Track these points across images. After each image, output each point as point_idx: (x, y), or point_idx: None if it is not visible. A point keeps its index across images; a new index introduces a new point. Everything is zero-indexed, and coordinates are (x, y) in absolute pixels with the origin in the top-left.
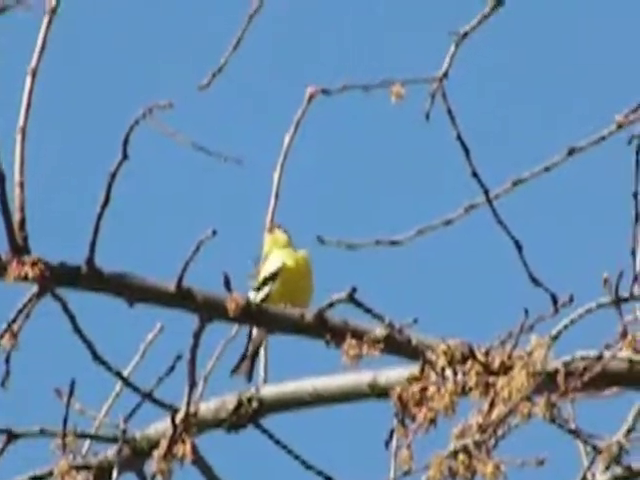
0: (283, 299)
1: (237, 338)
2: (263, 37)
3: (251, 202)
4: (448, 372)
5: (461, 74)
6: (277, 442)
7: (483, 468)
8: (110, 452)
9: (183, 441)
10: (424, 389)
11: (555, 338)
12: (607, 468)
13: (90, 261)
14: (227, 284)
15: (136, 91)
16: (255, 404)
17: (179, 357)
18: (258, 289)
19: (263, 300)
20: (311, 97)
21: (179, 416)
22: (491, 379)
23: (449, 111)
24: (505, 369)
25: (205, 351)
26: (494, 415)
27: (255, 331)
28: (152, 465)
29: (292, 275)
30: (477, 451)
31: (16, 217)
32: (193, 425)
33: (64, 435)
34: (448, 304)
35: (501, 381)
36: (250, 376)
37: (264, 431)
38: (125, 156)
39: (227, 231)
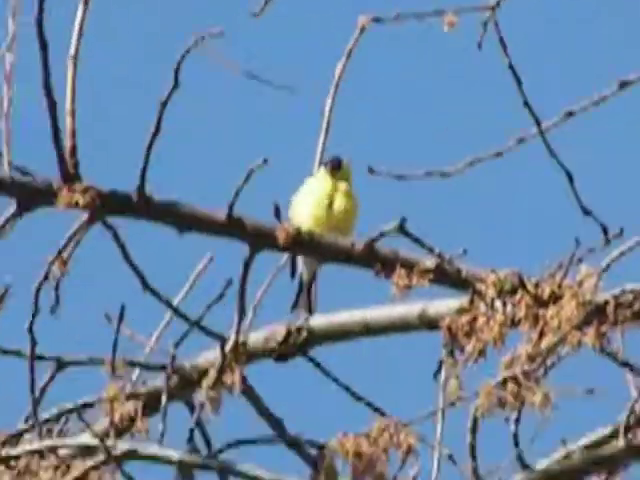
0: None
1: (287, 268)
2: None
3: (303, 131)
4: (498, 303)
5: (513, 3)
6: (326, 373)
7: (532, 397)
8: (159, 381)
9: (232, 370)
10: (473, 320)
11: (605, 270)
12: None
13: (141, 189)
14: (277, 213)
15: (188, 19)
16: (304, 334)
17: (229, 284)
18: None
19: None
20: (363, 26)
21: (228, 345)
22: (541, 311)
23: (501, 40)
24: (555, 299)
25: (255, 281)
26: (543, 344)
27: (305, 262)
28: (201, 394)
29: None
30: (526, 380)
31: (67, 144)
32: (242, 354)
33: (113, 362)
34: (498, 235)
35: (551, 311)
36: (310, 308)
37: (313, 361)
38: (176, 84)
39: (278, 160)
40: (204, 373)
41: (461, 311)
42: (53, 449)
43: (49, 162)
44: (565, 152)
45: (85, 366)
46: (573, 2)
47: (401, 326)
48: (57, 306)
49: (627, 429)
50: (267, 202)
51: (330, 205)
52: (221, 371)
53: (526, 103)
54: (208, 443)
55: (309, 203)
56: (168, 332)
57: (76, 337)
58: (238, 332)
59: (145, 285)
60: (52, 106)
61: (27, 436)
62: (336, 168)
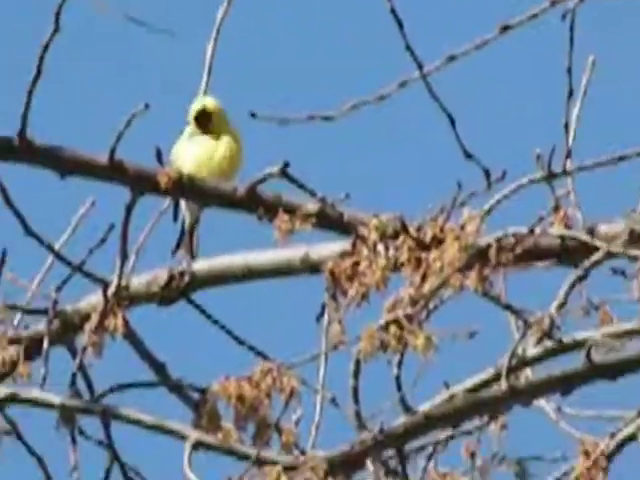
0: None
1: (169, 212)
2: None
3: (184, 75)
4: (380, 247)
5: None
6: (209, 317)
7: (414, 340)
8: (41, 325)
9: (114, 314)
10: (356, 264)
11: (487, 213)
12: (538, 342)
13: (22, 133)
14: (159, 157)
15: None
16: (187, 278)
17: (111, 228)
18: None
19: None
20: None
21: (110, 289)
22: (423, 254)
23: None
24: (437, 243)
25: (137, 225)
26: (426, 288)
27: (187, 206)
28: (83, 338)
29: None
30: (409, 323)
31: None
32: (124, 298)
33: None
34: (381, 179)
35: (433, 254)
36: (192, 252)
37: (195, 305)
38: (57, 28)
39: (160, 105)
40: (86, 317)
41: (344, 255)
42: None
43: None
44: (447, 96)
45: None
46: None
47: (284, 270)
48: None
49: (509, 372)
50: (149, 147)
51: (213, 149)
52: (103, 315)
53: (408, 47)
54: (90, 387)
55: (191, 147)
56: (50, 276)
57: None
58: (120, 276)
59: (27, 229)
60: None
61: None
62: (201, 121)
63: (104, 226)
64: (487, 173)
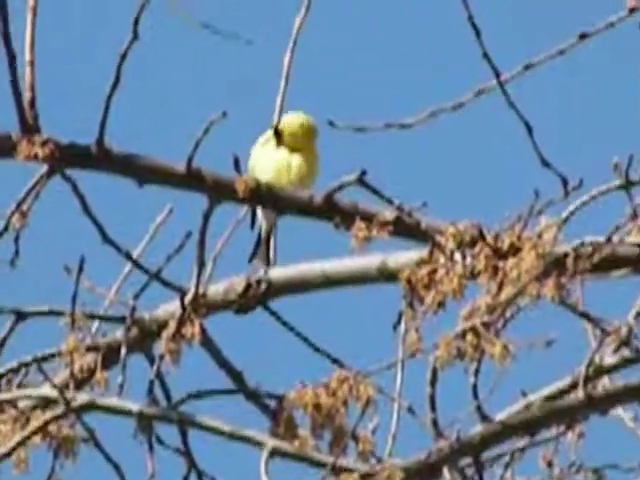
0: None
1: (246, 220)
2: None
3: (261, 84)
4: (457, 255)
5: None
6: (285, 324)
7: (491, 348)
8: (119, 333)
9: (192, 322)
10: (433, 272)
11: (565, 221)
12: (616, 350)
13: (100, 141)
14: (237, 165)
15: None
16: (264, 286)
17: (188, 235)
18: None
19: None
20: None
21: (188, 297)
22: (500, 262)
23: None
24: (514, 251)
25: (215, 233)
26: (503, 296)
27: (264, 214)
28: (160, 346)
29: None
30: (485, 331)
31: (26, 96)
32: (202, 306)
33: (73, 313)
34: (458, 187)
35: (510, 262)
36: (268, 260)
37: (272, 313)
38: (135, 36)
39: (237, 113)
40: (164, 325)
41: (420, 263)
42: (12, 401)
43: (8, 114)
44: (524, 104)
45: (45, 318)
46: None
47: (360, 278)
48: (17, 258)
49: (586, 380)
50: (226, 155)
51: (290, 157)
52: (180, 323)
53: (485, 55)
54: (168, 395)
55: (269, 155)
56: (128, 284)
57: (35, 289)
58: (198, 284)
59: (104, 237)
60: (11, 57)
61: None
62: (277, 135)
63: (181, 234)
64: (564, 181)
